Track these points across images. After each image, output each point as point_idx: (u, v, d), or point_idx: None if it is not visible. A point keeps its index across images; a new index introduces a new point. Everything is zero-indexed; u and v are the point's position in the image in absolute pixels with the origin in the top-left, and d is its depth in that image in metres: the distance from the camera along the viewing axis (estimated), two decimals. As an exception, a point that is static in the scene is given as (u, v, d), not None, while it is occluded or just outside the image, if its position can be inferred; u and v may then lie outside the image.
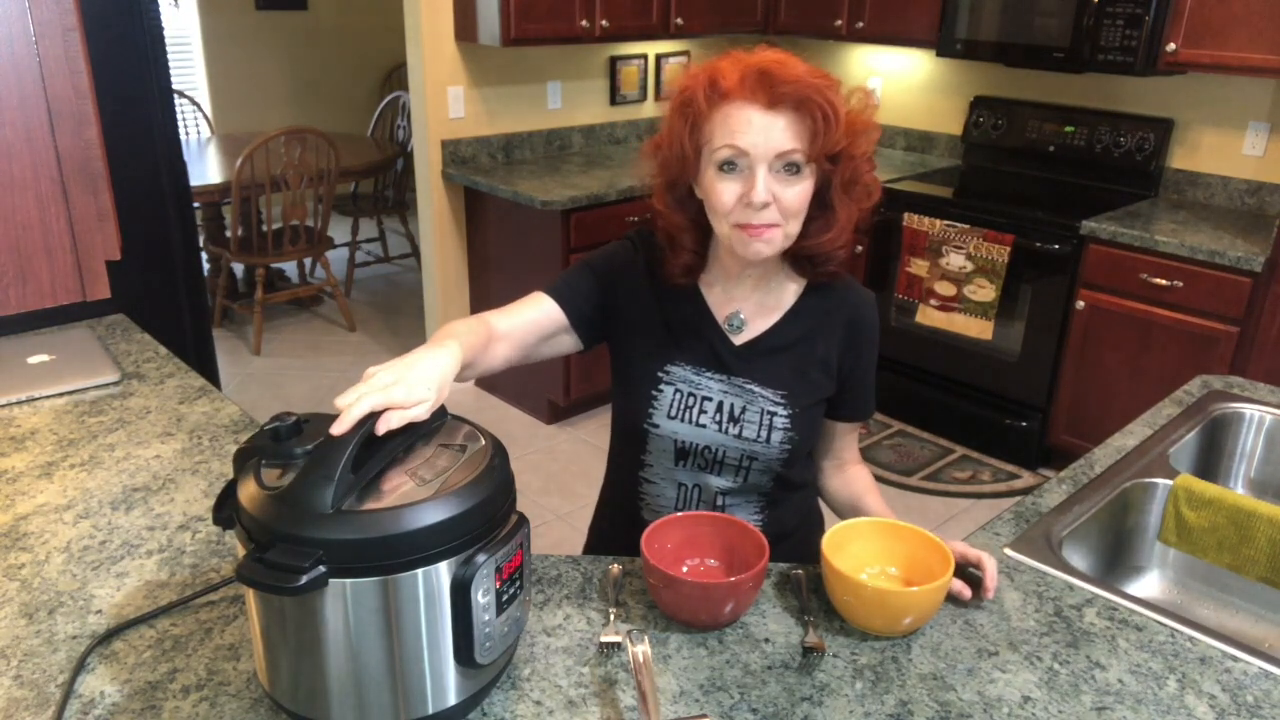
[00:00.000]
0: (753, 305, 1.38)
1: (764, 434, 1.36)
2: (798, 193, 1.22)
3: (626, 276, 1.40)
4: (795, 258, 1.35)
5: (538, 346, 1.37)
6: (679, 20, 3.98)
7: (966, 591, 1.24)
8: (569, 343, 1.40)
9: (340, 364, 4.47)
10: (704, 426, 1.35)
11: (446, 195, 3.95)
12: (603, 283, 1.39)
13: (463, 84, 3.81)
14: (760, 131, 1.19)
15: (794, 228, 1.25)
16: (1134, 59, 3.21)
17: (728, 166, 1.22)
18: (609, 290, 1.39)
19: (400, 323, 4.92)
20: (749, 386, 1.36)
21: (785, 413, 1.37)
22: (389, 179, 5.42)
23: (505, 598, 0.98)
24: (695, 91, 1.23)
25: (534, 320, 1.36)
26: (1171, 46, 3.14)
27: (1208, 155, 3.53)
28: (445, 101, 3.80)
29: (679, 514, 1.27)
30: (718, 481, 1.40)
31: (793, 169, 1.22)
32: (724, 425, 1.35)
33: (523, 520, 1.01)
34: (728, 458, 1.38)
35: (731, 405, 1.36)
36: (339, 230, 5.63)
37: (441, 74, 3.75)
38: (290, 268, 5.53)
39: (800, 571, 1.29)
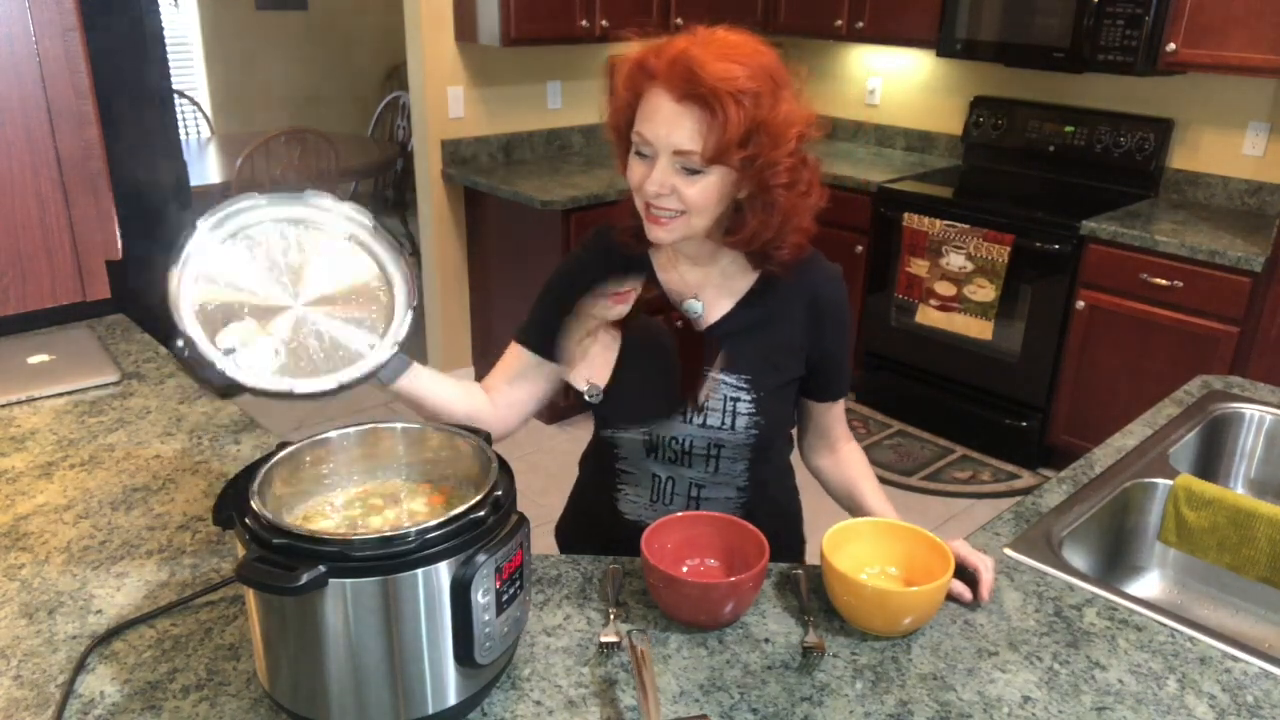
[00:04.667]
0: (709, 289, 1.37)
1: (728, 420, 1.35)
2: (698, 190, 1.21)
3: (585, 281, 1.38)
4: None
5: (539, 386, 1.44)
6: (679, 20, 3.98)
7: (968, 593, 1.24)
8: (559, 370, 1.41)
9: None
10: (670, 418, 1.35)
11: (446, 195, 3.95)
12: (564, 299, 1.39)
13: (462, 84, 3.81)
14: (664, 123, 1.19)
15: (699, 221, 1.24)
16: (1134, 59, 3.21)
17: (639, 155, 1.24)
18: (572, 303, 1.38)
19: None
20: (710, 374, 1.35)
21: (749, 398, 1.35)
22: (389, 179, 5.42)
23: (505, 598, 0.98)
24: (629, 68, 1.25)
25: (511, 366, 1.43)
26: (1171, 46, 3.14)
27: (1208, 155, 3.53)
28: (445, 101, 3.80)
29: (679, 514, 1.27)
30: (690, 473, 1.39)
31: (690, 170, 1.20)
32: (688, 415, 1.35)
33: (523, 520, 1.01)
34: (695, 448, 1.37)
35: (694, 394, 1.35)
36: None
37: (441, 74, 3.75)
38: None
39: (800, 571, 1.29)
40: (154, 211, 2.79)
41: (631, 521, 1.42)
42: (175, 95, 3.52)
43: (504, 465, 1.05)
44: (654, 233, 1.26)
